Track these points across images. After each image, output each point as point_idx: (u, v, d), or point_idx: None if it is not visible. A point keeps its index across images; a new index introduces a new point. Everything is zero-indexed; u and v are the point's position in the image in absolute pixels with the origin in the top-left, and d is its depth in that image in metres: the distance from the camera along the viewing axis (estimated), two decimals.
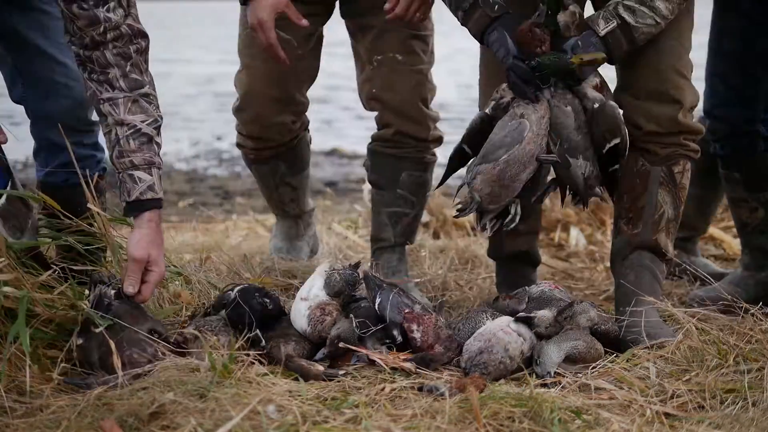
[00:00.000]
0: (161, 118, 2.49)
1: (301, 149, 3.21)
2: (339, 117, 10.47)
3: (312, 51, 2.95)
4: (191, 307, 2.63)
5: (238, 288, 2.50)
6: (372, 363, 2.30)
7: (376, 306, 2.44)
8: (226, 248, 3.63)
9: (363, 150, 8.22)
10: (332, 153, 8.14)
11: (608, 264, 3.59)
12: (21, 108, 2.84)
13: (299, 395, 2.07)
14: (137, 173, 2.42)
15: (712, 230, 3.83)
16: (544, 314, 2.40)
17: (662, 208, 2.59)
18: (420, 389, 2.15)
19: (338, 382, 2.21)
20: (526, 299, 2.54)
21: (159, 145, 2.47)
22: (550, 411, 1.94)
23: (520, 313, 2.41)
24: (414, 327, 2.36)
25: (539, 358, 2.31)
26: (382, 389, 2.15)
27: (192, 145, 8.37)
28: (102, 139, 2.99)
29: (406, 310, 2.40)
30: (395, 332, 2.38)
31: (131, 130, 2.42)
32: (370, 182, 3.18)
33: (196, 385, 2.03)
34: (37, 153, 2.89)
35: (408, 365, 2.25)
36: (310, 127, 3.24)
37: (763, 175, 3.01)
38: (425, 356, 2.30)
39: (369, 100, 2.99)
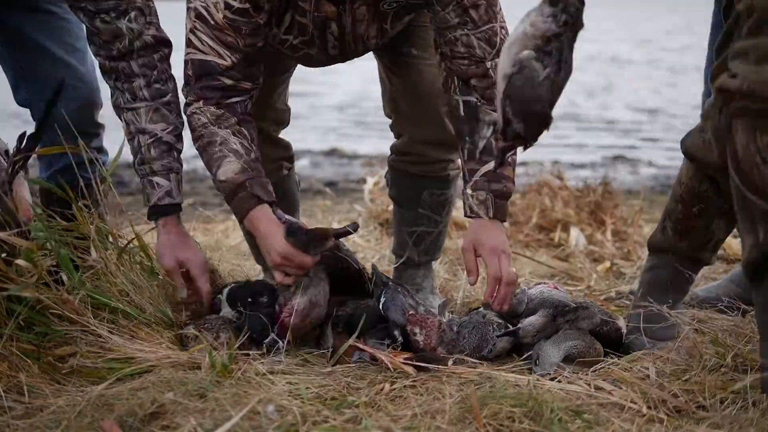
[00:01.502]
0: (182, 125, 2.59)
1: (290, 187, 3.07)
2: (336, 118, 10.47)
3: (279, 97, 2.89)
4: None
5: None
6: (374, 361, 2.30)
7: (380, 305, 2.43)
8: (226, 248, 3.64)
9: (362, 150, 8.25)
10: (332, 153, 8.14)
11: (608, 264, 3.61)
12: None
13: (299, 395, 2.07)
14: (156, 179, 2.52)
15: None
16: (531, 323, 2.40)
17: (714, 234, 2.54)
18: None
19: (338, 381, 2.21)
20: (526, 301, 2.53)
21: (179, 151, 2.57)
22: (550, 411, 1.94)
23: (503, 331, 2.41)
24: (417, 330, 2.36)
25: (538, 358, 2.31)
26: (382, 389, 2.15)
27: (192, 145, 8.36)
28: (107, 143, 3.01)
29: (410, 312, 2.39)
30: (396, 332, 2.38)
31: (152, 139, 2.52)
32: (390, 197, 3.07)
33: (196, 385, 2.03)
34: (41, 155, 2.88)
35: (409, 369, 2.24)
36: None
37: None
38: (425, 356, 2.30)
39: (388, 104, 2.89)
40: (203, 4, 2.41)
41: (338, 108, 11.34)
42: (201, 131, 2.47)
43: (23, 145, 2.39)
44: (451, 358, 2.32)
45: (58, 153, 2.80)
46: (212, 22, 2.40)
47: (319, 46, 2.56)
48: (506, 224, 4.02)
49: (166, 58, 2.56)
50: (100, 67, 2.56)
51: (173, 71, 2.60)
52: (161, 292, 2.51)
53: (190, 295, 2.51)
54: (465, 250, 2.49)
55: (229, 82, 2.45)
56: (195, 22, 2.42)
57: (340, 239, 2.48)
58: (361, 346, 2.33)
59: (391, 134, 2.94)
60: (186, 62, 2.47)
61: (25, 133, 2.41)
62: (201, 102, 2.46)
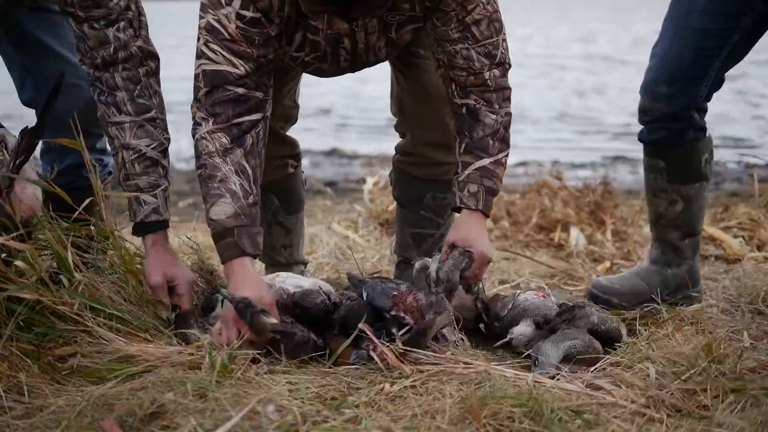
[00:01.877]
0: (168, 141, 2.56)
1: (295, 185, 3.07)
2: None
3: (287, 93, 2.88)
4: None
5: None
6: (371, 360, 2.29)
7: (365, 298, 2.43)
8: None
9: (363, 150, 8.26)
10: (332, 153, 8.14)
11: (608, 264, 3.61)
12: (19, 107, 2.83)
13: (299, 395, 2.07)
14: (143, 196, 2.49)
15: (712, 230, 3.83)
16: (522, 332, 2.42)
17: None
18: None
19: (338, 381, 2.21)
20: (510, 306, 2.54)
21: (165, 167, 2.53)
22: (550, 411, 1.94)
23: (499, 342, 2.43)
24: (402, 314, 2.36)
25: (537, 358, 2.31)
26: (382, 389, 2.15)
27: (192, 146, 8.37)
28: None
29: (393, 293, 2.39)
30: (393, 330, 2.37)
31: (136, 154, 2.49)
32: (393, 197, 3.09)
33: (196, 385, 2.03)
34: (45, 154, 2.88)
35: (405, 368, 2.24)
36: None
37: (687, 167, 2.93)
38: (418, 330, 2.29)
39: (394, 103, 2.89)
40: (215, 17, 2.38)
41: (324, 110, 11.31)
42: (205, 160, 2.41)
43: (24, 140, 2.38)
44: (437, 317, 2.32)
45: (60, 153, 2.79)
46: (225, 34, 2.38)
47: (331, 61, 2.56)
48: (506, 224, 4.05)
49: (152, 74, 2.52)
50: (88, 78, 2.54)
51: (166, 74, 2.60)
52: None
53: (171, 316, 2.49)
54: (447, 243, 2.55)
55: (240, 91, 2.40)
56: (207, 36, 2.40)
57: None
58: (368, 333, 2.30)
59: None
60: (197, 75, 2.42)
61: (26, 128, 2.40)
62: (211, 121, 2.41)
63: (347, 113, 11.01)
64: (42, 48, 2.74)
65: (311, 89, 11.79)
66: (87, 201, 2.50)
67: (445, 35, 2.47)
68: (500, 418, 1.93)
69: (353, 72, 2.67)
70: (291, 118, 2.94)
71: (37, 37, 2.74)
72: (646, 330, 2.60)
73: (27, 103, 2.81)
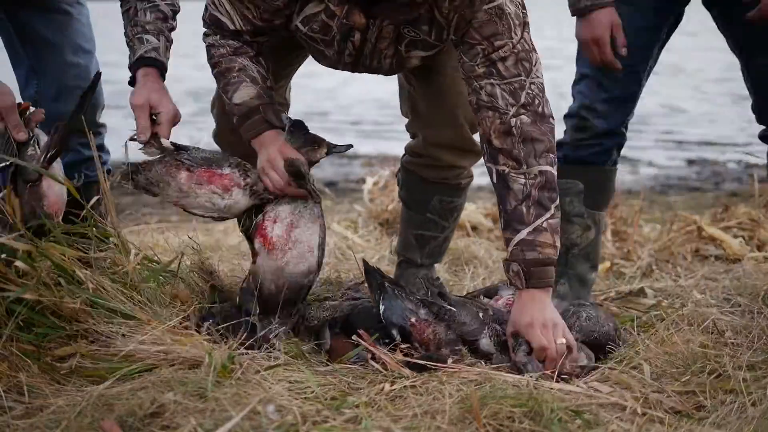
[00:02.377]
0: (179, 7, 2.65)
1: None
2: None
3: (278, 90, 2.87)
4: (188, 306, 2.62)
5: None
6: (374, 359, 2.30)
7: (381, 314, 2.42)
8: (225, 248, 3.64)
9: (362, 150, 8.26)
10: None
11: (608, 264, 3.61)
12: None
13: (299, 395, 2.07)
14: (146, 36, 2.56)
15: (712, 230, 3.84)
16: (501, 360, 2.37)
17: None
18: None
19: (339, 381, 2.21)
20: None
21: (172, 27, 2.62)
22: (550, 411, 1.94)
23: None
24: (417, 344, 2.34)
25: (525, 364, 2.31)
26: (382, 389, 2.15)
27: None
28: (108, 141, 3.01)
29: (411, 320, 2.37)
30: (394, 332, 2.37)
31: (150, 4, 2.58)
32: (399, 197, 3.07)
33: (196, 385, 2.03)
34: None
35: (406, 371, 2.24)
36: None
37: (604, 191, 2.93)
38: (431, 356, 2.29)
39: (405, 103, 2.86)
40: None
41: (322, 113, 11.29)
42: (219, 59, 2.53)
43: (56, 135, 2.40)
44: (451, 357, 2.31)
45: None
46: None
47: (336, 50, 2.53)
48: None
49: None
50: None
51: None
52: (159, 293, 2.51)
53: (147, 140, 2.50)
54: (507, 335, 2.41)
55: (236, 42, 2.51)
56: None
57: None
58: (365, 344, 2.31)
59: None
60: (206, 6, 2.53)
61: (59, 123, 2.41)
62: (219, 36, 2.52)
63: (336, 117, 10.99)
64: (48, 47, 2.79)
65: (306, 89, 11.81)
66: (95, 199, 2.50)
67: (471, 70, 2.41)
68: (500, 418, 1.93)
69: (352, 72, 2.65)
70: None
71: (44, 37, 2.79)
72: (645, 331, 2.60)
73: (28, 101, 2.84)
